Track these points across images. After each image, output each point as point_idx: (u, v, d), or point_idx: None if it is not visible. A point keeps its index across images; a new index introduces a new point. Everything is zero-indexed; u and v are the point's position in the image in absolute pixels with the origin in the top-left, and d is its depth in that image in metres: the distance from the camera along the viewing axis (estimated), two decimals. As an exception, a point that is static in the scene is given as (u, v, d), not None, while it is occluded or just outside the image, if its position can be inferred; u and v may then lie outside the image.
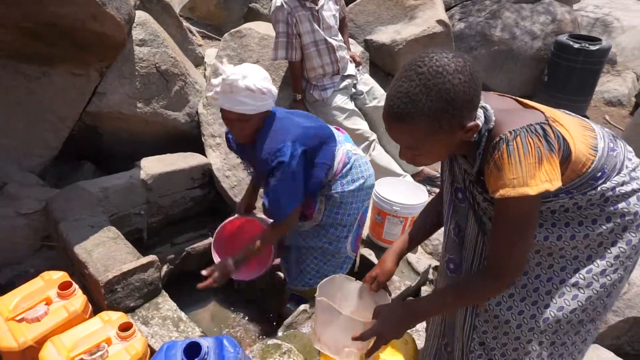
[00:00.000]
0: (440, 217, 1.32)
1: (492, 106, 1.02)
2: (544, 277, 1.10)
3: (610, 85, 5.46)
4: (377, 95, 3.11)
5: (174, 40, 3.23)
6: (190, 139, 2.95)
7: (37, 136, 2.51)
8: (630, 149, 1.13)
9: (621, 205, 1.05)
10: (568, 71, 4.82)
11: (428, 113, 0.92)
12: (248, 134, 1.70)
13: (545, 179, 0.93)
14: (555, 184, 0.94)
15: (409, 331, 1.54)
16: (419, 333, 1.91)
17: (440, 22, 4.63)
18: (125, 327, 1.56)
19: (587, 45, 4.71)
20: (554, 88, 4.95)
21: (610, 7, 6.59)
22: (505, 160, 0.94)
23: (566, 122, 1.02)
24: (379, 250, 2.32)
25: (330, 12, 2.86)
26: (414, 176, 3.09)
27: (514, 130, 0.95)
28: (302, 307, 1.90)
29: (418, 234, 1.38)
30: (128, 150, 2.84)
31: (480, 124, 0.99)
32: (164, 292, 1.96)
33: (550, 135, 0.96)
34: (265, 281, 2.44)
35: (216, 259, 2.02)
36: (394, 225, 2.29)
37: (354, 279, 1.35)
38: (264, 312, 2.62)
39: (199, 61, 3.92)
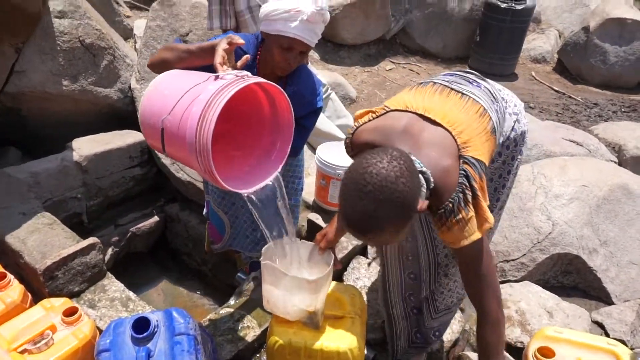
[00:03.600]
0: None
1: (414, 151, 1.11)
2: None
3: (535, 43, 5.74)
4: None
5: (98, 12, 3.01)
6: (124, 116, 2.81)
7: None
8: (500, 87, 1.40)
9: (512, 134, 1.36)
10: (498, 31, 5.01)
11: (390, 221, 1.00)
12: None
13: (485, 217, 1.13)
14: (492, 219, 1.15)
15: (355, 285, 1.60)
16: (367, 287, 1.99)
17: (374, -15, 4.63)
18: (70, 312, 1.51)
19: (513, 4, 4.90)
20: (486, 48, 5.14)
21: (533, -33, 6.83)
22: (455, 225, 1.12)
23: (471, 134, 1.16)
24: (326, 214, 2.37)
25: None
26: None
27: (452, 200, 1.11)
28: (253, 274, 1.92)
29: None
30: (59, 133, 2.66)
31: (425, 190, 1.09)
32: (109, 274, 1.90)
33: (472, 177, 1.12)
34: (216, 256, 2.43)
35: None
36: (338, 188, 2.33)
37: (299, 239, 1.37)
38: (216, 287, 2.62)
39: (127, 34, 3.69)
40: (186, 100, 1.11)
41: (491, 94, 1.30)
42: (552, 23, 6.09)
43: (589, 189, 2.42)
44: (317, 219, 2.35)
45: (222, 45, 1.21)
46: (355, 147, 1.28)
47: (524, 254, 2.27)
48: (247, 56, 1.25)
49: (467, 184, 1.12)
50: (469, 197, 1.11)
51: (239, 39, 1.23)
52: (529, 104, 4.56)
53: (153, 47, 2.84)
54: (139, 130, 2.69)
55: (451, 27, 5.44)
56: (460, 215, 1.11)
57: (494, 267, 1.20)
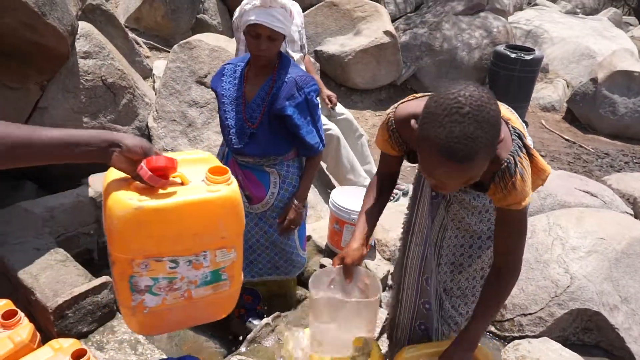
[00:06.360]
0: (386, 191, 1.51)
1: None
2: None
3: (544, 92, 5.85)
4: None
5: (120, 52, 3.12)
6: (140, 153, 2.85)
7: (-29, 155, 2.34)
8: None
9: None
10: (507, 79, 5.11)
11: (487, 143, 0.99)
12: (272, 56, 1.71)
13: (541, 167, 1.22)
14: (549, 168, 1.25)
15: (371, 339, 1.56)
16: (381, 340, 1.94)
17: (387, 33, 4.78)
18: (78, 355, 1.47)
19: (522, 55, 5.03)
20: (496, 95, 5.19)
21: (540, 20, 7.07)
22: (519, 182, 1.12)
23: (510, 116, 1.24)
24: (339, 259, 2.34)
25: (295, 27, 2.87)
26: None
27: (512, 155, 1.13)
28: (265, 320, 1.88)
29: (372, 214, 1.49)
30: (74, 168, 2.69)
31: None
32: (119, 315, 1.87)
33: (522, 135, 1.19)
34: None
35: None
36: (352, 233, 2.31)
37: (332, 268, 1.35)
38: (225, 329, 2.56)
39: (147, 73, 3.81)
40: None
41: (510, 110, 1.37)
42: (559, 73, 6.24)
43: (607, 241, 2.39)
44: (330, 263, 2.32)
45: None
46: (397, 120, 1.27)
47: (542, 308, 2.22)
48: None
49: (523, 146, 1.16)
50: (525, 155, 1.15)
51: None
52: (540, 152, 4.60)
53: (172, 87, 2.93)
54: (154, 168, 2.74)
55: (461, 74, 5.58)
56: (524, 171, 1.13)
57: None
